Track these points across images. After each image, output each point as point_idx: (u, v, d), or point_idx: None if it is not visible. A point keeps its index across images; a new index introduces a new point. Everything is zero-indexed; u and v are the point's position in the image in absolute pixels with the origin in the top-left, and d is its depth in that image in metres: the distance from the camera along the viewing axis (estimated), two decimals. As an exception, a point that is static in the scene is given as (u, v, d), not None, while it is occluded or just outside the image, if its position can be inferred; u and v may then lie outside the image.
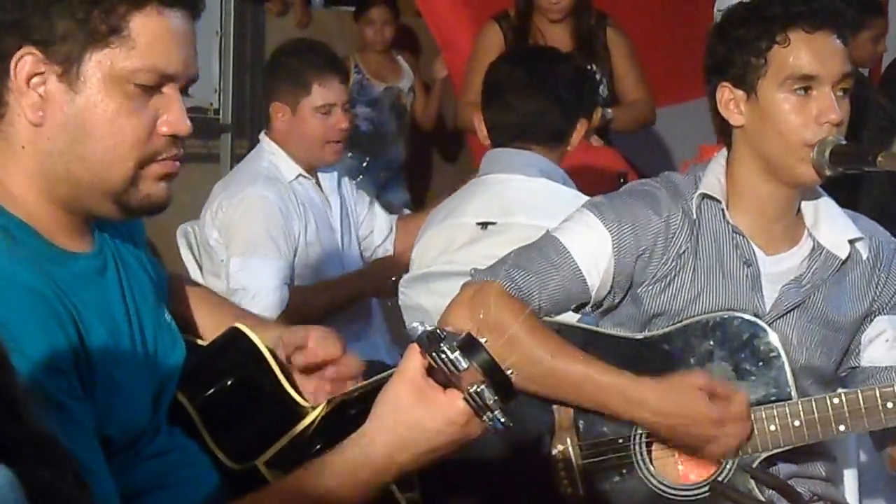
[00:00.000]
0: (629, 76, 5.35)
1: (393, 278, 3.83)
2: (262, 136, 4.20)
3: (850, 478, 2.92)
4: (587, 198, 3.36)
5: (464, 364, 1.68)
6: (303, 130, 4.07)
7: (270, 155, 4.12)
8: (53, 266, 1.80)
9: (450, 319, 2.59)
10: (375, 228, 4.34)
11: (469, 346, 1.69)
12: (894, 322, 2.70)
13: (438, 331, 1.70)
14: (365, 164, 6.33)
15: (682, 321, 2.63)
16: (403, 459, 1.79)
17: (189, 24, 1.87)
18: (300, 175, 4.09)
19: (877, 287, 2.69)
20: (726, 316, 2.61)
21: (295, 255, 3.99)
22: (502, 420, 1.70)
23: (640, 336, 2.66)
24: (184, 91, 1.88)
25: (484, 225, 3.45)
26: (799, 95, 2.53)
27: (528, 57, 3.79)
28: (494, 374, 1.69)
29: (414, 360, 1.76)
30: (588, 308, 2.70)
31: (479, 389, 1.69)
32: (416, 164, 6.99)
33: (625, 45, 5.35)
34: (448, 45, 5.87)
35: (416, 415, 1.75)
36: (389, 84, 6.70)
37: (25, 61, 1.78)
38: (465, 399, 1.71)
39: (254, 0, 6.98)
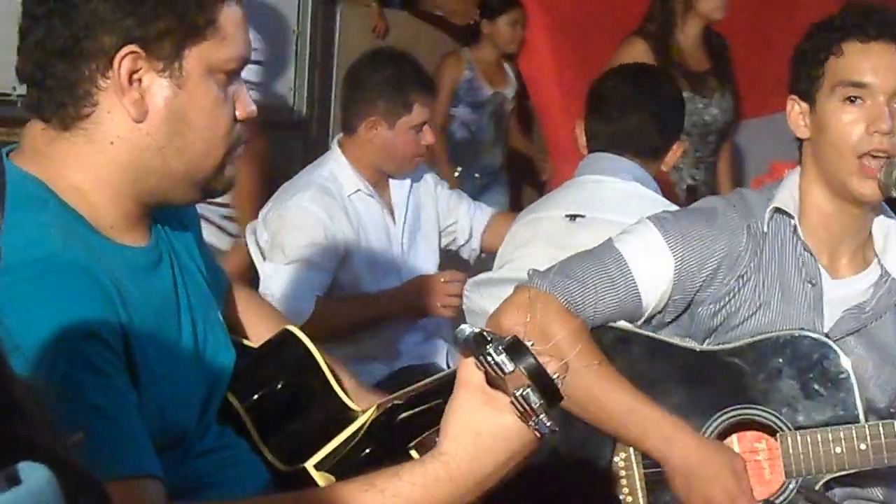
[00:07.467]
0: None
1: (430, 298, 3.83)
2: (335, 144, 4.18)
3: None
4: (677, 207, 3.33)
5: (509, 367, 1.64)
6: (397, 146, 4.05)
7: (335, 165, 4.09)
8: (107, 258, 1.80)
9: (502, 319, 2.58)
10: (458, 230, 4.32)
11: (515, 349, 1.65)
12: None
13: (485, 333, 1.67)
14: (457, 174, 6.06)
15: (753, 337, 2.58)
16: (486, 473, 1.72)
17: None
18: (359, 190, 4.06)
19: None
20: (797, 334, 2.57)
21: (340, 268, 3.96)
22: (548, 424, 1.66)
23: (707, 348, 2.62)
24: None
25: (573, 217, 3.47)
26: (850, 103, 2.53)
27: (634, 73, 3.84)
28: (540, 378, 1.65)
29: (474, 371, 1.71)
30: (638, 323, 2.66)
31: (524, 393, 1.65)
32: (514, 167, 6.86)
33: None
34: (524, 51, 5.85)
35: (494, 420, 1.70)
36: (497, 90, 6.53)
37: (128, 59, 1.79)
38: (510, 402, 1.67)
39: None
